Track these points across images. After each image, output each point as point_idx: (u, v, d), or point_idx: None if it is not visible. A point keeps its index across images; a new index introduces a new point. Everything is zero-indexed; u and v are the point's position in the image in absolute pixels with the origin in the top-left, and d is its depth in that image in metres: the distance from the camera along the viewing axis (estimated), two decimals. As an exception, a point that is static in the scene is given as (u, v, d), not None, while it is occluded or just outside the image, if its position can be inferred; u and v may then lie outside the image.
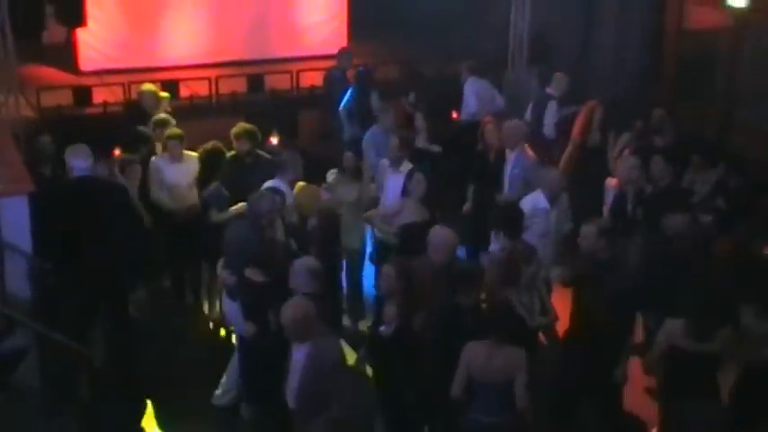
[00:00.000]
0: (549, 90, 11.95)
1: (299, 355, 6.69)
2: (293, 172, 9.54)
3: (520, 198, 9.24)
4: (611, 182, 9.63)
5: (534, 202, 9.15)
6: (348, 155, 9.85)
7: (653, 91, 13.27)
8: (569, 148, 11.24)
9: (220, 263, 8.60)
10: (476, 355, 6.83)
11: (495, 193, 10.07)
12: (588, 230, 7.82)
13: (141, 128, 10.25)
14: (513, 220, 8.30)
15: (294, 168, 9.58)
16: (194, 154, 9.85)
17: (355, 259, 9.78)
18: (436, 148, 11.15)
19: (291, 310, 6.60)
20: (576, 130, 11.17)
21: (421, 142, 11.09)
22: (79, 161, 8.82)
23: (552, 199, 9.12)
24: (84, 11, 11.63)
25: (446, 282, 7.38)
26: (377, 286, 7.62)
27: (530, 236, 8.61)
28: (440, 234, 7.73)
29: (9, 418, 7.24)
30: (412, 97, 12.27)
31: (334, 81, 12.60)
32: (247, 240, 8.20)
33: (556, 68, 12.52)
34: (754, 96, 12.49)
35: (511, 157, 10.10)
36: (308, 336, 6.60)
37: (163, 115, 10.46)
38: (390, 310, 7.15)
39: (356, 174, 9.78)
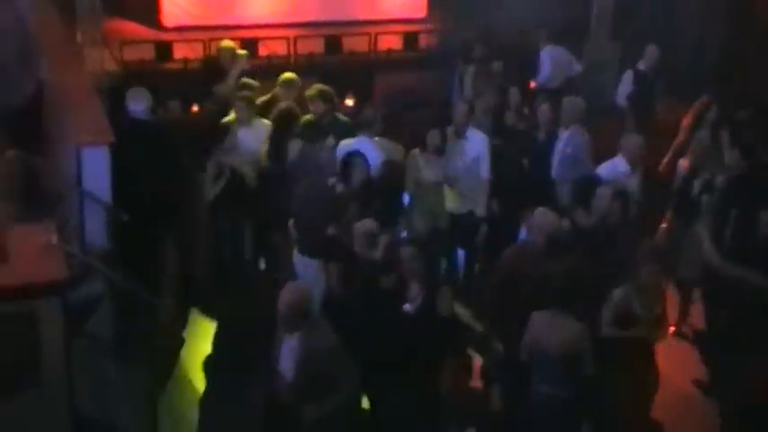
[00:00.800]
0: (639, 63, 11.78)
1: (291, 345, 6.38)
2: (377, 128, 9.63)
3: (569, 177, 9.24)
4: (683, 164, 9.39)
5: (613, 166, 9.13)
6: (433, 131, 9.36)
7: (737, 63, 13.01)
8: (674, 144, 10.93)
9: (291, 220, 8.73)
10: (538, 323, 6.94)
11: (545, 173, 9.89)
12: (604, 191, 8.02)
13: (246, 79, 10.47)
14: (589, 193, 8.19)
15: (378, 125, 9.66)
16: (266, 121, 9.79)
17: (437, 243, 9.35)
18: (522, 126, 10.75)
19: (287, 295, 6.30)
20: (685, 123, 11.02)
21: (511, 119, 10.70)
22: (136, 105, 9.23)
23: (633, 164, 9.03)
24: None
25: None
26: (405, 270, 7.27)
27: None
28: (541, 215, 7.67)
29: (84, 364, 7.37)
30: (498, 66, 12.12)
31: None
32: (313, 194, 8.45)
33: (639, 40, 12.36)
34: None
35: (564, 135, 9.87)
36: (300, 326, 6.31)
37: (290, 74, 10.55)
38: (414, 287, 7.06)
39: (440, 152, 9.37)
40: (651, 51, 11.71)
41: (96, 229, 8.42)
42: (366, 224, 7.53)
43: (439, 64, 13.19)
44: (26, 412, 6.59)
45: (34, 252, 6.86)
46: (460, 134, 9.55)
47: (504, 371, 7.67)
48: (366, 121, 9.63)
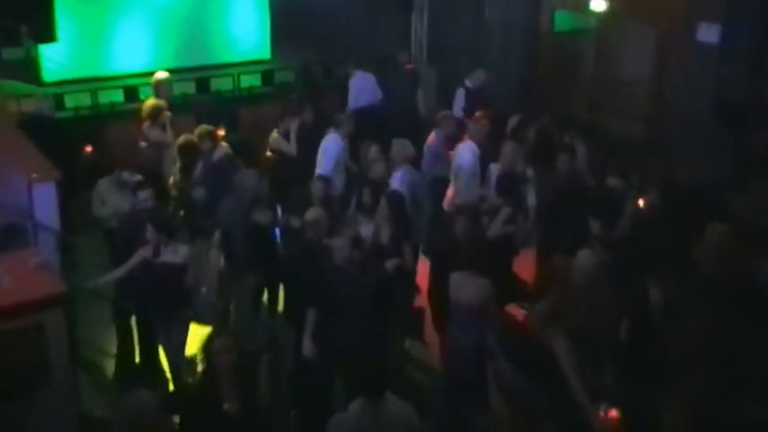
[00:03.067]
0: (467, 82, 12.44)
1: None
2: (348, 128, 10.50)
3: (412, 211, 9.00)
4: (495, 167, 9.90)
5: (468, 149, 9.99)
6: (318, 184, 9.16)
7: (533, 82, 14.20)
8: None
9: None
10: (455, 282, 7.38)
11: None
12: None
13: None
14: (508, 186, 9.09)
15: (348, 124, 10.54)
16: None
17: None
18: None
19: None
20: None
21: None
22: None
23: (480, 146, 10.08)
24: (55, 28, 11.48)
25: None
26: None
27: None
28: None
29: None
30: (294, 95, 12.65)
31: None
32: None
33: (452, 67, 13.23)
34: (614, 84, 13.34)
35: (396, 174, 9.58)
36: None
37: None
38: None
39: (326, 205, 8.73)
40: (478, 73, 12.45)
41: (49, 254, 8.44)
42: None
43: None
44: (40, 410, 6.64)
45: (27, 274, 6.90)
46: None
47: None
48: (339, 120, 10.58)
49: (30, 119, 10.48)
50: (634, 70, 12.94)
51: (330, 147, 10.31)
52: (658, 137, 11.95)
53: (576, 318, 7.01)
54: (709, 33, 10.75)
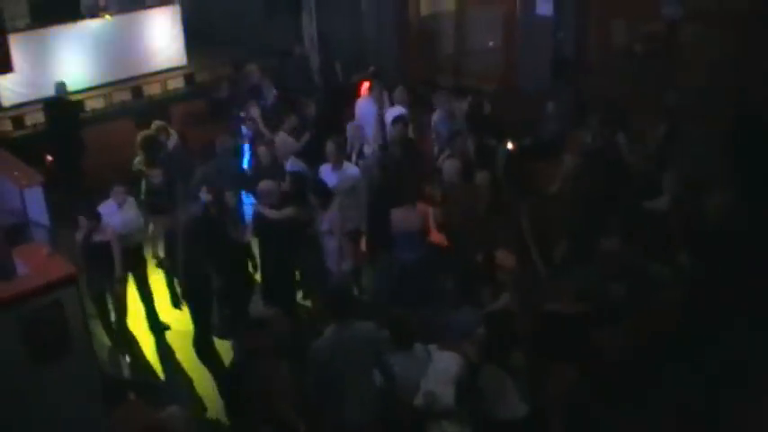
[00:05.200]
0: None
1: None
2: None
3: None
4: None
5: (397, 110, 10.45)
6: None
7: (405, 57, 14.79)
8: None
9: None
10: (397, 215, 8.09)
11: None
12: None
13: None
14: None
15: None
16: None
17: None
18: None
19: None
20: None
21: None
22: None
23: (406, 106, 10.59)
24: (11, 61, 11.33)
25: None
26: None
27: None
28: None
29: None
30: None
31: None
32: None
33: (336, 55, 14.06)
34: (472, 53, 14.05)
35: (287, 164, 9.58)
36: None
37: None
38: None
39: None
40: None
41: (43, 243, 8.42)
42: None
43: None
44: (62, 375, 6.56)
45: (41, 261, 6.85)
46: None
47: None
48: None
49: (53, 100, 11.43)
50: (487, 42, 13.68)
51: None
52: (510, 92, 12.63)
53: (453, 214, 8.15)
54: (545, 7, 11.47)
